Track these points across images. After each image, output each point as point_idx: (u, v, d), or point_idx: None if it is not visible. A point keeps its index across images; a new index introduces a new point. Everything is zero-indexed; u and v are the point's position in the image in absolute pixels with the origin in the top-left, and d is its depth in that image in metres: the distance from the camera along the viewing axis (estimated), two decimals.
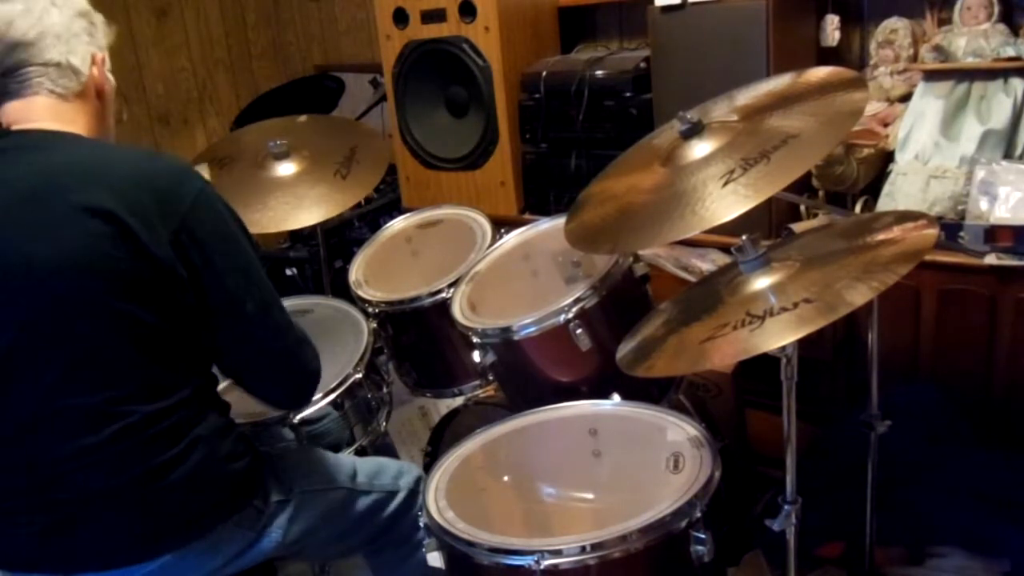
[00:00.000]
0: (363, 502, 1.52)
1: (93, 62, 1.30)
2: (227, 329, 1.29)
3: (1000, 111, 1.90)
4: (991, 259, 1.80)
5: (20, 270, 1.15)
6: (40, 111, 1.25)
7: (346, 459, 1.56)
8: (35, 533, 1.21)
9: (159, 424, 1.22)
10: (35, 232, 1.16)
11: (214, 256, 1.24)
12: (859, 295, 1.14)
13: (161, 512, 1.24)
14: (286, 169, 2.01)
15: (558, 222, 1.70)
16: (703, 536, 1.22)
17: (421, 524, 1.36)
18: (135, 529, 1.23)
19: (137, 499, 1.22)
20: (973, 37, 1.98)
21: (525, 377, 1.69)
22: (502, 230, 1.94)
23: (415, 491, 1.59)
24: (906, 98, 2.08)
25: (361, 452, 1.76)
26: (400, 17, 2.58)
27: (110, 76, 1.34)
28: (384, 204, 3.05)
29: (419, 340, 1.92)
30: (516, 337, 1.60)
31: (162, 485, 1.22)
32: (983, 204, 1.83)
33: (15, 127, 1.25)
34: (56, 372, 1.17)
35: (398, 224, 2.17)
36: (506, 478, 1.48)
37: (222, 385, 1.40)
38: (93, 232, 1.15)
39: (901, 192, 1.98)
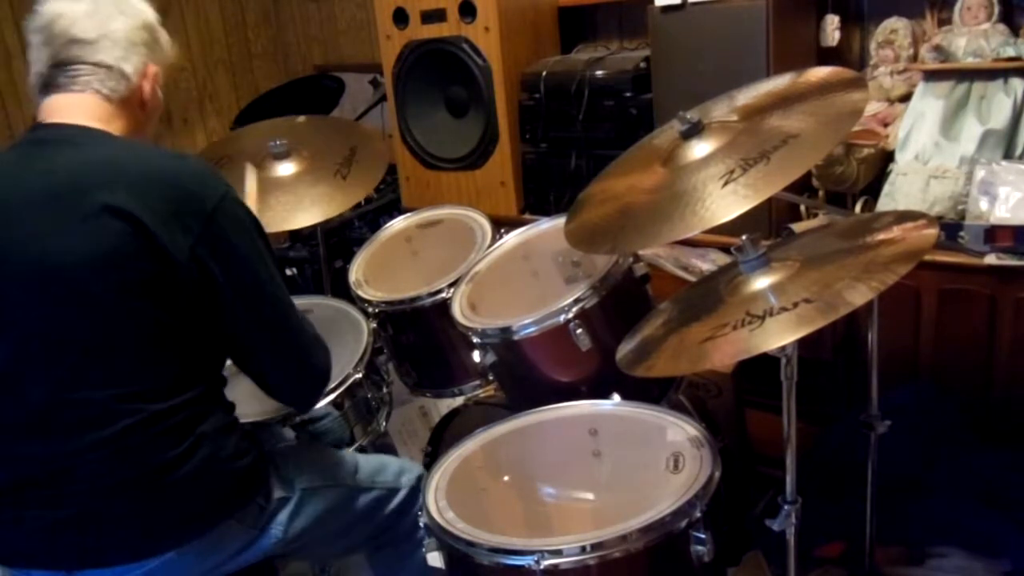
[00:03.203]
0: (364, 499, 1.52)
1: (145, 74, 1.33)
2: (245, 329, 1.30)
3: (1000, 111, 1.90)
4: (991, 259, 1.80)
5: (37, 265, 1.17)
6: (83, 107, 1.28)
7: (348, 456, 1.57)
8: (40, 529, 1.22)
9: (167, 421, 1.22)
10: (55, 228, 1.18)
11: (235, 259, 1.25)
12: (859, 295, 1.14)
13: (165, 508, 1.24)
14: (286, 169, 2.01)
15: (558, 222, 1.70)
16: (703, 536, 1.22)
17: (421, 524, 1.36)
18: (139, 525, 1.24)
19: (142, 495, 1.22)
20: (973, 37, 1.98)
21: (525, 377, 1.69)
22: (502, 230, 1.94)
23: (417, 489, 1.59)
24: (906, 98, 2.08)
25: (361, 452, 1.76)
26: (400, 17, 2.58)
27: (159, 92, 1.37)
28: (384, 204, 3.05)
29: (419, 340, 1.92)
30: (516, 337, 1.60)
31: (167, 481, 1.23)
32: (983, 204, 1.83)
33: (51, 120, 1.27)
34: (68, 366, 1.18)
35: (398, 224, 2.17)
36: (506, 478, 1.48)
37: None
38: (112, 231, 1.17)
39: (901, 192, 1.98)
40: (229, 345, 1.32)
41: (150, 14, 1.35)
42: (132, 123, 1.33)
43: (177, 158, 1.30)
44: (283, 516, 1.39)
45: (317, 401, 1.52)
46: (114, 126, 1.30)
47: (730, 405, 2.05)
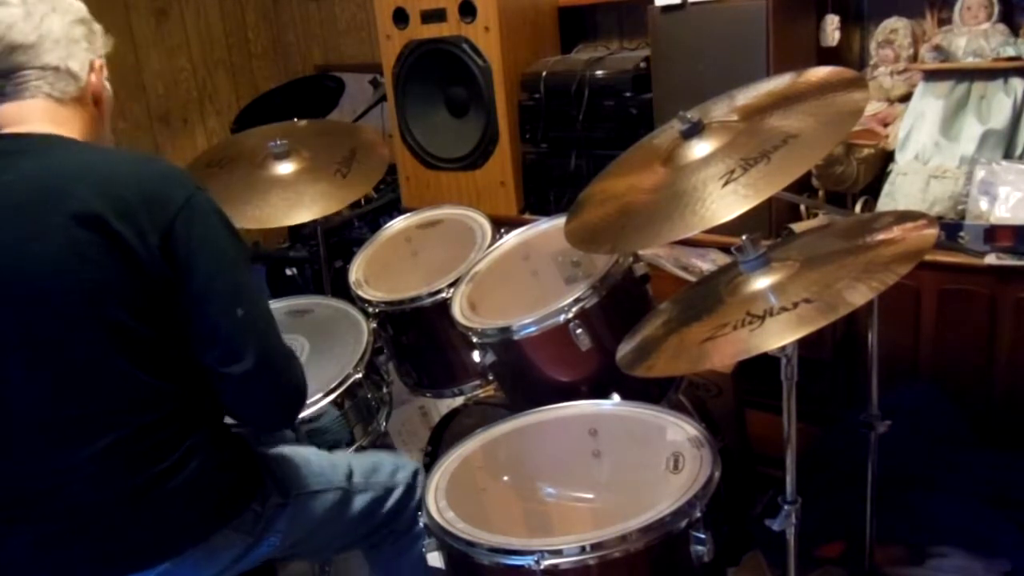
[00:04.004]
0: (360, 500, 1.51)
1: (91, 69, 1.29)
2: (219, 334, 1.24)
3: (1000, 111, 1.90)
4: (991, 259, 1.80)
5: (9, 277, 1.14)
6: (36, 114, 1.24)
7: (341, 458, 1.56)
8: (29, 544, 1.21)
9: (154, 435, 1.21)
10: (25, 241, 1.14)
11: (201, 261, 1.20)
12: (859, 295, 1.14)
13: (158, 521, 1.23)
14: (286, 168, 2.02)
15: (558, 222, 1.70)
16: (703, 536, 1.22)
17: (421, 524, 1.36)
18: (132, 538, 1.22)
19: (134, 509, 1.21)
20: (973, 37, 1.98)
21: (525, 377, 1.69)
22: (502, 230, 1.94)
23: (412, 485, 1.58)
24: (906, 98, 2.08)
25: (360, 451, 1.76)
26: (400, 17, 2.58)
27: (107, 84, 1.34)
28: (384, 204, 3.05)
29: (419, 340, 1.92)
30: (516, 337, 1.60)
31: (159, 495, 1.21)
32: (983, 204, 1.84)
33: (7, 129, 1.24)
34: (46, 382, 1.16)
35: (398, 224, 2.17)
36: (506, 478, 1.48)
37: None
38: (82, 241, 1.14)
39: (901, 192, 1.98)
40: (200, 360, 1.25)
41: (82, 7, 1.31)
42: (88, 121, 1.30)
43: (143, 160, 1.26)
44: (280, 523, 1.37)
45: (293, 420, 1.45)
46: (71, 128, 1.26)
47: (730, 405, 2.05)
